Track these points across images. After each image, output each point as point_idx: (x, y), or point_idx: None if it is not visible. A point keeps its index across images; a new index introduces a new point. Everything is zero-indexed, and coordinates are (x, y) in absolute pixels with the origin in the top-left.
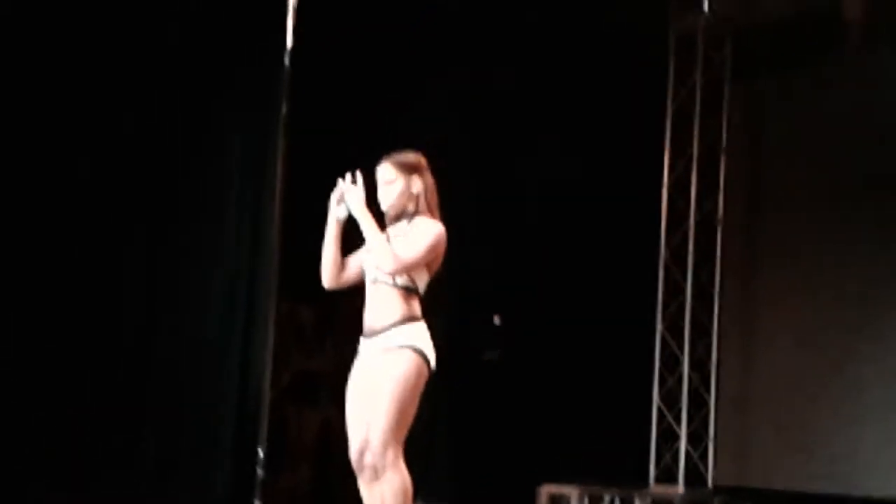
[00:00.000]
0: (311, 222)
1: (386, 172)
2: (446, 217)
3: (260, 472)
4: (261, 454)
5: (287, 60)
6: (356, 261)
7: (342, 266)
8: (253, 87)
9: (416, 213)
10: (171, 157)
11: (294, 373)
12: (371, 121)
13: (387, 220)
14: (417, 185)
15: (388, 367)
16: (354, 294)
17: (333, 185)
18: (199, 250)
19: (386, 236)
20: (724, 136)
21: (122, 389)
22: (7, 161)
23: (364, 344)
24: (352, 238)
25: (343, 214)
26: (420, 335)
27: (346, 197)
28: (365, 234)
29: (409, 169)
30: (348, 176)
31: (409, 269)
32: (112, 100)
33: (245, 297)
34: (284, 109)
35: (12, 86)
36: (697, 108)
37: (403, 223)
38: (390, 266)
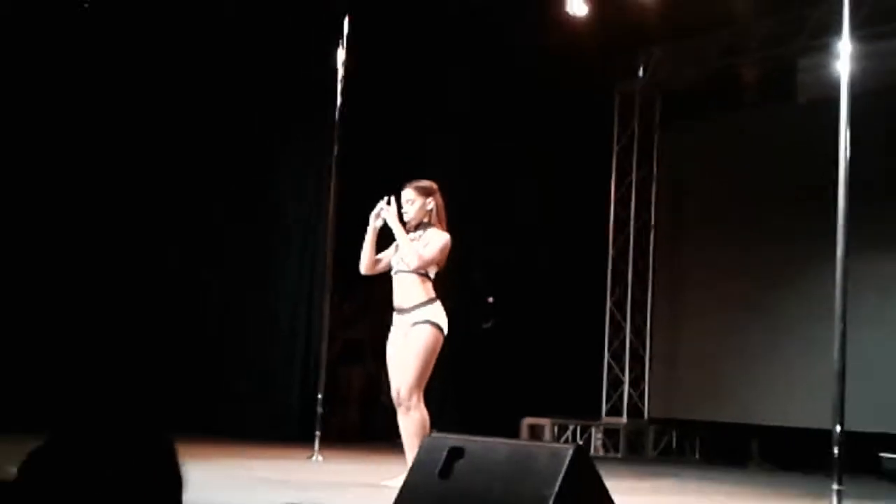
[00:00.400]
0: (352, 235)
1: (408, 194)
2: (453, 227)
3: (320, 410)
4: (320, 397)
5: (337, 116)
6: (385, 256)
7: (376, 260)
8: (311, 138)
9: (430, 224)
10: (260, 188)
11: (344, 339)
12: (397, 159)
13: (408, 228)
14: (431, 203)
15: (414, 336)
16: (385, 283)
17: (367, 207)
18: (277, 255)
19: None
20: (655, 167)
21: (228, 352)
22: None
23: (396, 318)
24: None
25: (379, 224)
26: (437, 312)
27: (384, 213)
28: (398, 240)
29: (425, 192)
30: (385, 198)
31: (426, 265)
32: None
33: (308, 287)
34: (336, 150)
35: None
36: (635, 147)
37: (420, 231)
38: (415, 263)
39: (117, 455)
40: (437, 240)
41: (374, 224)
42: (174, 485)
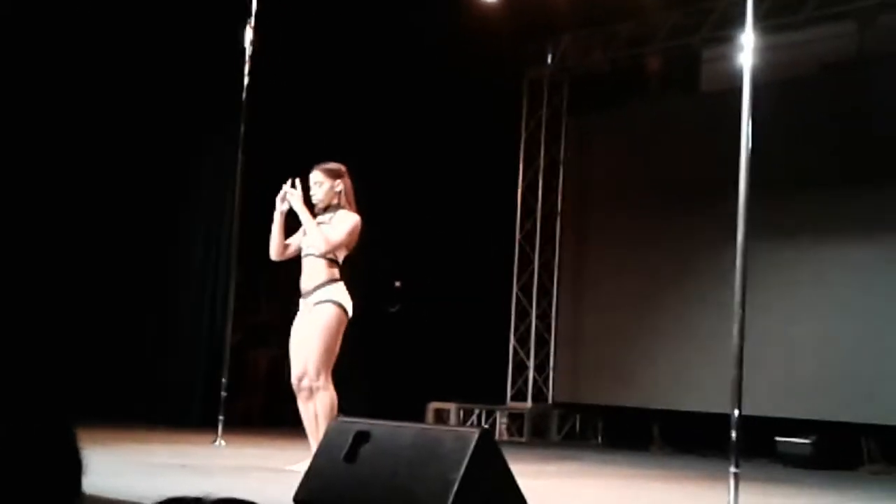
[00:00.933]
0: (260, 215)
1: (316, 176)
2: (362, 210)
3: (223, 394)
4: (224, 381)
5: (244, 95)
6: (294, 241)
7: (284, 245)
8: (217, 118)
9: (339, 206)
10: (163, 169)
11: (249, 323)
12: (306, 139)
13: (317, 211)
14: (340, 186)
15: (316, 316)
16: (292, 266)
17: (274, 188)
18: (182, 237)
19: (317, 223)
20: (562, 153)
21: (132, 334)
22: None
23: (301, 302)
24: (290, 226)
25: (285, 208)
26: (339, 292)
27: (289, 197)
28: (304, 224)
29: (333, 174)
30: (289, 181)
31: (335, 249)
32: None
33: (213, 270)
34: (242, 129)
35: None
36: (543, 133)
37: (330, 214)
38: (322, 247)
39: (14, 439)
40: (345, 222)
41: (280, 208)
42: (74, 470)
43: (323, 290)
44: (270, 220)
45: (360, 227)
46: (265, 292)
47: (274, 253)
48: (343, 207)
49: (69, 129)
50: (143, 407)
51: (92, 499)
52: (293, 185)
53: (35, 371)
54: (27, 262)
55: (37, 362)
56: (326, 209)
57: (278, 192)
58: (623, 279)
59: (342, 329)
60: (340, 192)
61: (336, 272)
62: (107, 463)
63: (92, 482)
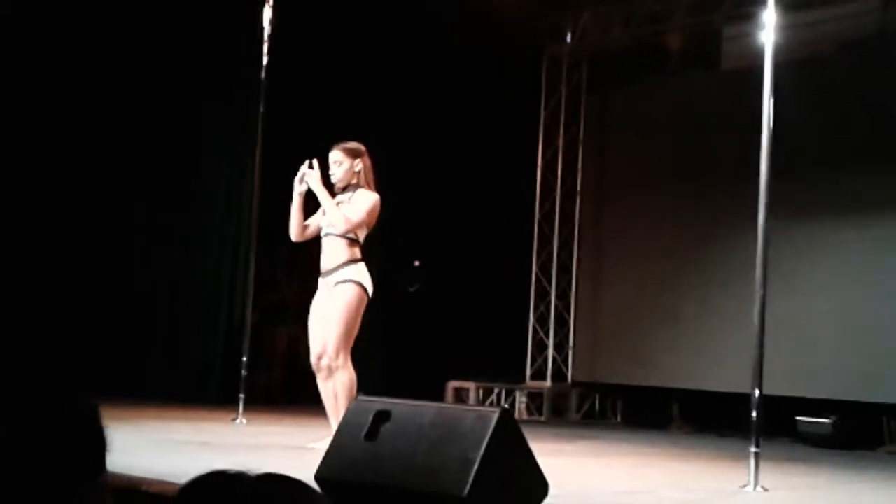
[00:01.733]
0: (280, 194)
1: (336, 156)
2: (381, 189)
3: (244, 372)
4: (244, 360)
5: (263, 74)
6: (314, 221)
7: (304, 226)
8: (237, 96)
9: (358, 185)
10: (182, 148)
11: (269, 301)
12: (325, 118)
13: (336, 190)
14: (359, 165)
15: (336, 295)
16: (313, 245)
17: (293, 167)
18: (201, 215)
19: (336, 202)
20: (582, 131)
21: (151, 314)
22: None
23: (321, 281)
24: (309, 206)
25: (304, 189)
26: (360, 272)
27: (307, 178)
28: (323, 204)
29: (353, 153)
30: (307, 161)
31: (355, 228)
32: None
33: (232, 248)
34: (262, 109)
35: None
36: (563, 111)
37: (349, 193)
38: (342, 226)
39: (39, 419)
40: (365, 200)
41: (298, 189)
42: (99, 448)
43: (344, 269)
44: (290, 200)
45: (379, 206)
46: (284, 270)
47: (294, 234)
48: (362, 187)
49: (87, 111)
50: (163, 384)
51: (115, 476)
52: (311, 166)
53: (56, 350)
54: (47, 241)
55: (57, 341)
56: (346, 189)
57: (297, 171)
58: (642, 259)
59: (362, 309)
60: (360, 171)
61: (357, 252)
62: (128, 440)
63: (114, 460)
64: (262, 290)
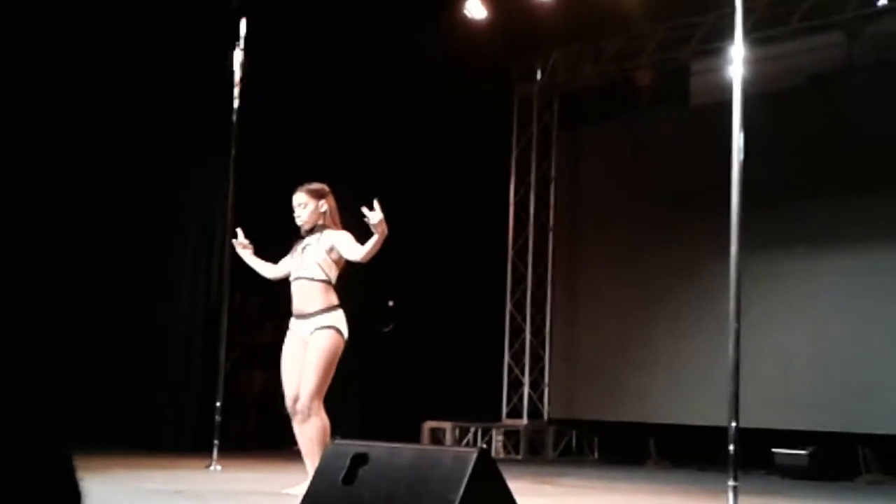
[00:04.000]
0: (251, 237)
1: (300, 198)
2: (351, 230)
3: (218, 418)
4: (218, 405)
5: (234, 117)
6: (283, 265)
7: (272, 266)
8: (208, 140)
9: (324, 226)
10: (154, 192)
11: (245, 343)
12: (297, 158)
13: (302, 233)
14: (324, 206)
15: (316, 341)
16: (286, 288)
17: (265, 208)
18: (175, 257)
19: (304, 245)
20: (553, 168)
21: (123, 358)
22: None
23: (295, 323)
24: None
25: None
26: (339, 318)
27: (239, 253)
28: (251, 264)
29: (317, 195)
30: (238, 233)
31: (367, 258)
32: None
33: (205, 293)
34: (233, 152)
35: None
36: (534, 149)
37: (317, 234)
38: (358, 257)
39: (13, 470)
40: (342, 236)
41: (242, 252)
42: (73, 500)
43: (325, 315)
44: (262, 238)
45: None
46: (257, 315)
47: (267, 275)
48: (329, 227)
49: (56, 151)
50: (137, 432)
51: None
52: (234, 237)
53: (25, 395)
54: (19, 288)
55: (26, 386)
56: (312, 230)
57: (270, 209)
58: (616, 293)
59: (339, 355)
60: (325, 212)
61: (333, 296)
62: (102, 490)
63: None
64: (236, 334)
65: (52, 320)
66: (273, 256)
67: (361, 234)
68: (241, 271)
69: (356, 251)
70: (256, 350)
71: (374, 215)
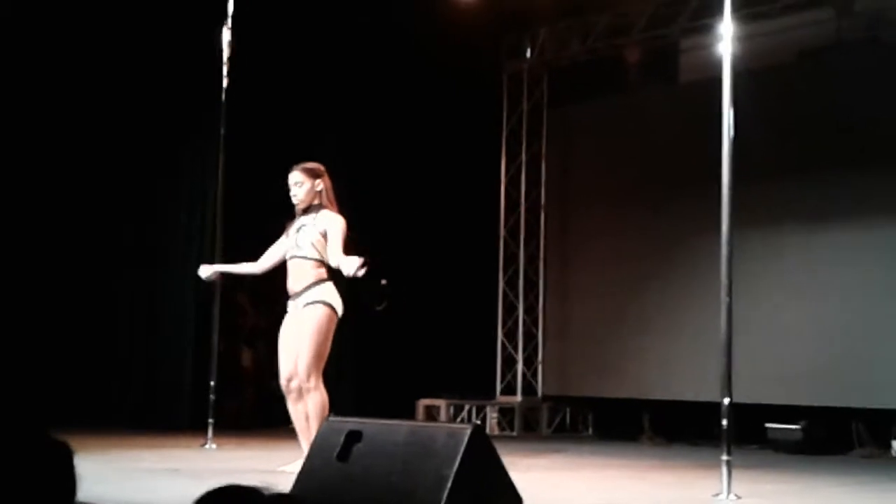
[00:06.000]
0: (240, 218)
1: (295, 177)
2: (346, 208)
3: (212, 397)
4: (212, 384)
5: (223, 96)
6: (278, 249)
7: (264, 262)
8: (197, 119)
9: (320, 206)
10: (144, 173)
11: (237, 324)
12: (287, 138)
13: (297, 212)
14: (320, 185)
15: (306, 317)
16: (279, 271)
17: (255, 189)
18: (165, 239)
19: (300, 226)
20: (544, 146)
21: (118, 341)
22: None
23: (290, 304)
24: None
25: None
26: (330, 292)
27: (206, 276)
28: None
29: (312, 174)
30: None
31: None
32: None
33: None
34: (223, 131)
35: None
36: (524, 127)
37: (312, 214)
38: (333, 264)
39: (9, 457)
40: (335, 228)
41: (218, 271)
42: (68, 488)
43: (313, 290)
44: (252, 222)
45: (346, 229)
46: (250, 295)
47: (255, 271)
48: (325, 207)
49: (44, 132)
50: (132, 411)
51: None
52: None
53: (24, 380)
54: (8, 268)
55: (24, 371)
56: (308, 210)
57: (260, 191)
58: (609, 270)
59: (332, 329)
60: (321, 191)
61: (324, 272)
62: (97, 469)
63: (83, 489)
64: (229, 314)
65: (45, 300)
66: (264, 236)
67: (355, 215)
68: (231, 255)
69: (333, 257)
70: (249, 331)
71: (350, 269)
